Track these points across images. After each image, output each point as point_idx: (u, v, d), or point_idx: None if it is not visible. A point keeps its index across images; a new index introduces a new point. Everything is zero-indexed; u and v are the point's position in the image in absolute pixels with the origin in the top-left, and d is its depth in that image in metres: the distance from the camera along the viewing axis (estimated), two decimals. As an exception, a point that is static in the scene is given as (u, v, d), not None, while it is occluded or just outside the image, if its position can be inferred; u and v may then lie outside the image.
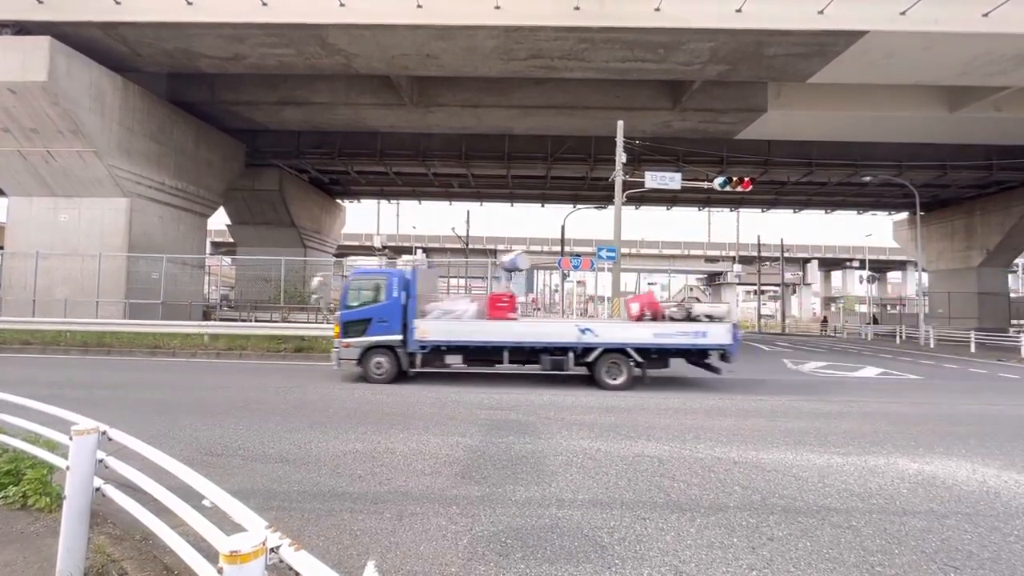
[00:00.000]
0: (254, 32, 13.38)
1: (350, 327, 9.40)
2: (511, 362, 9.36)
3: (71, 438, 2.51)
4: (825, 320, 41.73)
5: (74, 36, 13.65)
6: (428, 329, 9.16)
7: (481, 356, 9.38)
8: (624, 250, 18.48)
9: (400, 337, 9.21)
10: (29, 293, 15.41)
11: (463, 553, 2.96)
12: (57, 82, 13.38)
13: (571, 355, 9.09)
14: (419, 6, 12.36)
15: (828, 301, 62.28)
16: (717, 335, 8.96)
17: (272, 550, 1.52)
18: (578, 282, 56.83)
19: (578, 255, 22.12)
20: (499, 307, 9.59)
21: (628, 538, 3.18)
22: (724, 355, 9.04)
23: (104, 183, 15.54)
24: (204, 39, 13.84)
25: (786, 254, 44.14)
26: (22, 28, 13.44)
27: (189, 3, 12.53)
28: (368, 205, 51.99)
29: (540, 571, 2.78)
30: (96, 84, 14.60)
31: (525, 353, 9.29)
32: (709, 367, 9.38)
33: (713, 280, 63.31)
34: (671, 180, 16.81)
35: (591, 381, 9.07)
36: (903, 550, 3.09)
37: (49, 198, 15.93)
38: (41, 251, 15.47)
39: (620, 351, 9.08)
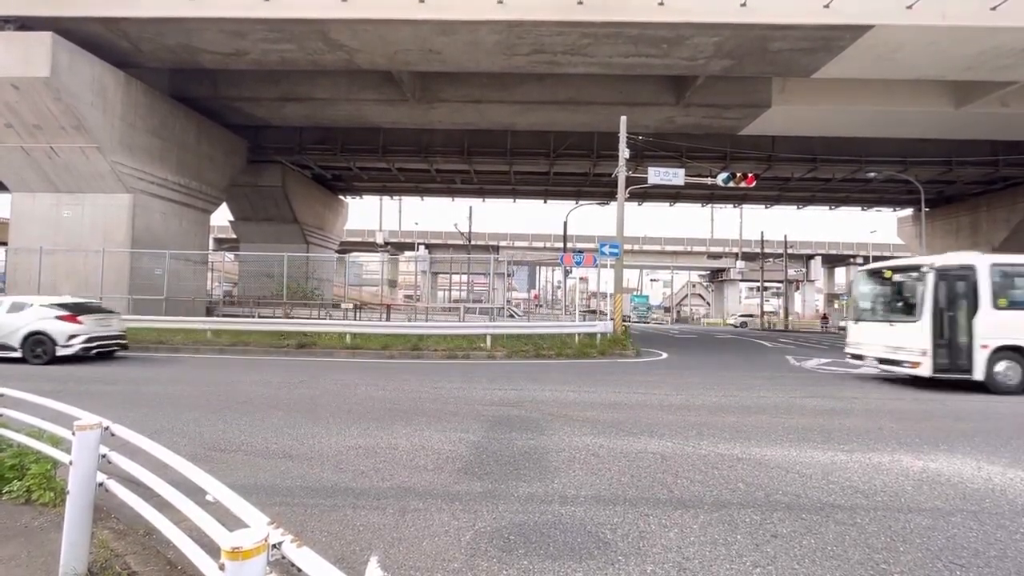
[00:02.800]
0: (256, 27, 13.35)
1: None
2: None
3: (74, 433, 2.51)
4: (825, 317, 41.81)
5: (76, 31, 13.64)
6: None
7: None
8: (627, 246, 18.43)
9: None
10: (33, 289, 15.42)
11: (466, 549, 2.96)
12: (59, 77, 13.38)
13: None
14: (421, 1, 12.30)
15: (831, 298, 62.14)
16: None
17: (274, 546, 1.51)
18: (580, 279, 56.76)
19: (580, 251, 22.07)
20: None
21: (631, 534, 3.17)
22: None
23: (107, 178, 15.56)
24: (206, 34, 13.81)
25: (789, 250, 44.01)
26: (24, 23, 13.44)
27: (191, -2, 12.53)
28: (371, 201, 52.15)
29: (543, 567, 2.77)
30: (98, 80, 14.60)
31: None
32: None
33: (716, 277, 63.19)
34: (674, 176, 16.77)
35: (596, 377, 9.05)
36: (908, 548, 3.07)
37: (52, 194, 15.97)
38: (45, 247, 15.52)
39: None
